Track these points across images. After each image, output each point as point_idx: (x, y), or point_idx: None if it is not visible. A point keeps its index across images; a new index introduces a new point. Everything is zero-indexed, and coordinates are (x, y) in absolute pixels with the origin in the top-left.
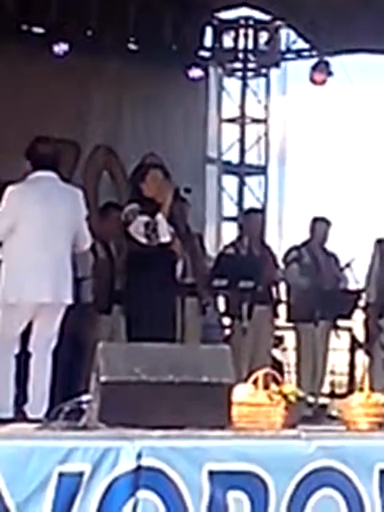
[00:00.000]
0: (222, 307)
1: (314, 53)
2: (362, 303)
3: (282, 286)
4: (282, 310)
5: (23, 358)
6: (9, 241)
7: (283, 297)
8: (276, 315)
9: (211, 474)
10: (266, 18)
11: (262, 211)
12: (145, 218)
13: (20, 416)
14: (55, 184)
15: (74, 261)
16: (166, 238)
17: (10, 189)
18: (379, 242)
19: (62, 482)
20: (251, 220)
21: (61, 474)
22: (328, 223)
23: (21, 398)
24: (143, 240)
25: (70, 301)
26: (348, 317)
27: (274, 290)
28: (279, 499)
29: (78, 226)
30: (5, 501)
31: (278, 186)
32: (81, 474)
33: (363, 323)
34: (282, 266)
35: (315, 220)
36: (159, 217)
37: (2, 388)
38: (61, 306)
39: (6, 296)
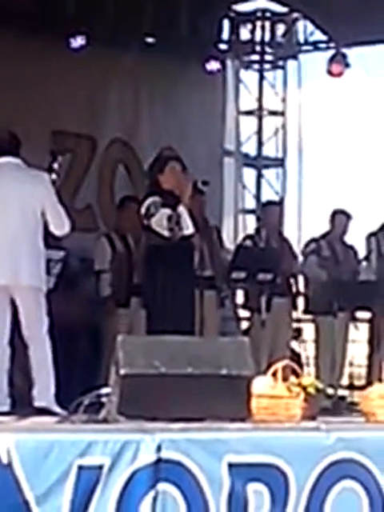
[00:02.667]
0: (239, 300)
1: (331, 45)
2: None
3: (301, 278)
4: (300, 302)
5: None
6: None
7: (302, 289)
8: (295, 307)
9: (231, 466)
10: (283, 10)
11: (280, 203)
12: (167, 211)
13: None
14: (14, 168)
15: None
16: (189, 230)
17: None
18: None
19: (81, 475)
20: (269, 212)
21: (80, 467)
22: (348, 216)
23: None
24: (166, 233)
25: (35, 283)
26: (367, 308)
27: (292, 282)
28: (300, 491)
29: (44, 208)
30: (25, 494)
31: (296, 178)
32: (100, 467)
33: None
34: (300, 258)
35: (335, 213)
36: (181, 209)
37: None
38: (32, 289)
39: None
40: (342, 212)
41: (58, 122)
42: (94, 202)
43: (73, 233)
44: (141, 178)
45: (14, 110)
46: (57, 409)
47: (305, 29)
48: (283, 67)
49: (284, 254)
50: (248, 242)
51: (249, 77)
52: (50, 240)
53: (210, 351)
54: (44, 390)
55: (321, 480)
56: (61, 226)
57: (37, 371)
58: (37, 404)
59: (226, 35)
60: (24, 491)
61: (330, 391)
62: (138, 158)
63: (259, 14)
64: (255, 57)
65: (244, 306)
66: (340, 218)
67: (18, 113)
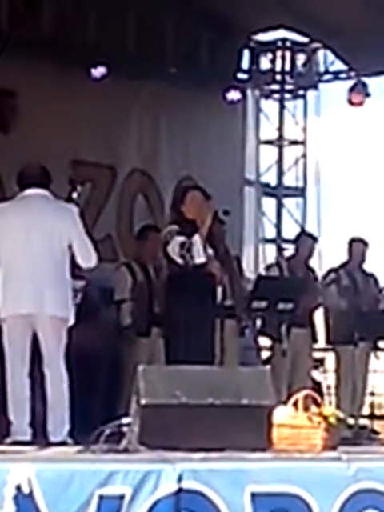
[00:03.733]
0: (259, 328)
1: (352, 74)
2: None
3: (321, 309)
4: (320, 332)
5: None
6: None
7: (321, 319)
8: (314, 338)
9: (253, 496)
10: (304, 39)
11: (315, 238)
12: (181, 238)
13: (41, 439)
14: (42, 200)
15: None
16: (200, 259)
17: None
18: None
19: (102, 505)
20: (305, 243)
21: (101, 497)
22: (365, 244)
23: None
24: (179, 260)
25: (58, 313)
26: None
27: (313, 313)
28: None
29: (71, 240)
30: None
31: (316, 207)
32: (121, 497)
33: None
34: (320, 287)
35: (352, 241)
36: (195, 238)
37: (17, 410)
38: (56, 319)
39: None
40: (359, 240)
41: (78, 152)
42: (113, 232)
43: None
44: (160, 207)
45: (33, 139)
46: (70, 443)
47: (325, 58)
48: (304, 96)
49: (308, 285)
50: (272, 271)
51: (269, 106)
52: (71, 269)
53: (231, 381)
54: (59, 426)
55: (344, 511)
56: (88, 259)
57: (52, 405)
58: (52, 439)
59: (246, 65)
60: None
61: (351, 421)
62: (158, 188)
63: (279, 44)
64: (275, 86)
65: (263, 334)
66: (357, 246)
67: (38, 142)
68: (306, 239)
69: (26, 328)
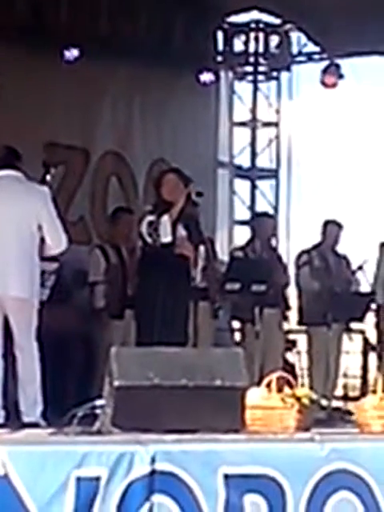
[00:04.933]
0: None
1: (325, 56)
2: (374, 306)
3: (293, 290)
4: (293, 313)
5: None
6: None
7: (294, 300)
8: (285, 318)
9: (226, 477)
10: (277, 21)
11: (273, 215)
12: (150, 218)
13: (14, 421)
14: (13, 181)
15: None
16: (166, 239)
17: None
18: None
19: (80, 486)
20: (262, 223)
21: (79, 479)
22: (339, 226)
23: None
24: (148, 239)
25: (22, 294)
26: (360, 319)
27: (284, 293)
28: (297, 502)
29: (41, 222)
30: (26, 504)
31: (287, 188)
32: (97, 479)
33: (375, 325)
34: (292, 269)
35: (327, 223)
36: (164, 218)
37: None
38: (21, 301)
39: None
40: (334, 222)
41: (51, 134)
42: (86, 214)
43: None
44: (133, 189)
45: (6, 122)
46: (43, 425)
47: (298, 40)
48: (277, 78)
49: (275, 265)
50: (239, 253)
51: (242, 88)
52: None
53: (204, 362)
54: (32, 406)
55: (317, 491)
56: (58, 242)
57: (24, 385)
58: (25, 420)
59: (219, 47)
60: (25, 502)
61: (324, 402)
62: (131, 170)
63: (253, 26)
64: (249, 68)
65: (235, 317)
66: (331, 228)
67: (11, 124)
68: (264, 220)
69: None
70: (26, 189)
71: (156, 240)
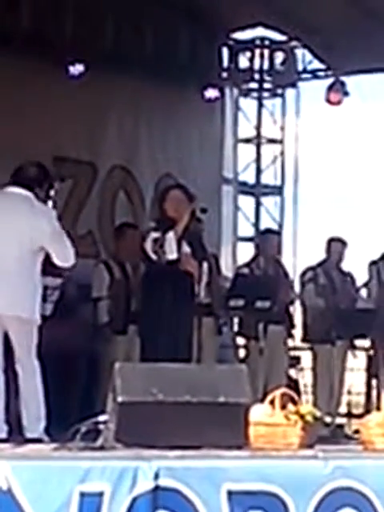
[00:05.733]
0: (235, 327)
1: (330, 73)
2: None
3: (298, 307)
4: (297, 330)
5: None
6: None
7: (299, 317)
8: (290, 335)
9: (230, 494)
10: (282, 38)
11: (279, 232)
12: (155, 235)
13: (17, 436)
14: (19, 200)
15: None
16: (172, 256)
17: None
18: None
19: (83, 502)
20: (267, 240)
21: (82, 494)
22: (344, 243)
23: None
24: (153, 256)
25: (23, 314)
26: (365, 336)
27: (289, 309)
28: None
29: (45, 243)
30: None
31: (293, 205)
32: (101, 494)
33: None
34: (297, 286)
35: (331, 240)
36: (169, 235)
37: None
38: (21, 320)
39: None
40: (338, 239)
41: (59, 149)
42: (94, 228)
43: None
44: (140, 204)
45: (13, 137)
46: (46, 440)
47: (303, 57)
48: (282, 95)
49: (281, 282)
50: (244, 270)
51: (247, 105)
52: (48, 267)
53: (208, 379)
54: (34, 422)
55: (320, 508)
56: (64, 259)
57: (26, 401)
58: (28, 435)
59: (224, 63)
60: None
61: (328, 419)
62: (138, 185)
63: (258, 42)
64: (254, 85)
65: (240, 334)
66: (336, 245)
67: (18, 139)
68: (268, 236)
69: None
70: (30, 209)
71: (161, 257)
